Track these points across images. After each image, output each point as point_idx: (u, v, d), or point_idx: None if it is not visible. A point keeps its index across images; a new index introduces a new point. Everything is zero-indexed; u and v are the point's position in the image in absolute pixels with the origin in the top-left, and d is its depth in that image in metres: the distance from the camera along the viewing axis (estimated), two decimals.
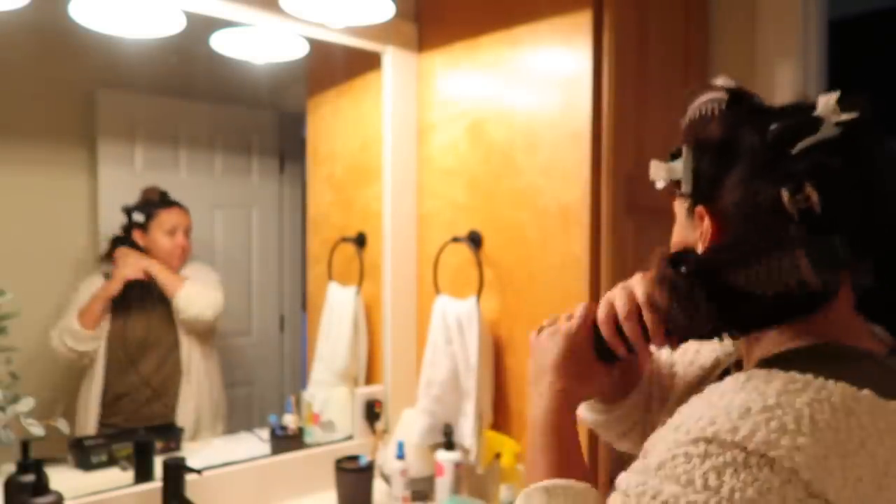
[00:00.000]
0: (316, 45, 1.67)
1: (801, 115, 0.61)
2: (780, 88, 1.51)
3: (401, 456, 1.58)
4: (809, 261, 0.57)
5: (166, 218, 1.64)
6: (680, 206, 0.73)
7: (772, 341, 0.64)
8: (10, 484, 1.21)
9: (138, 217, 1.61)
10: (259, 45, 1.65)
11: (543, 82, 1.47)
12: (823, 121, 0.60)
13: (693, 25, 1.57)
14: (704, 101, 0.69)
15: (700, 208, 0.66)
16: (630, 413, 0.86)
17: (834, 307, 0.61)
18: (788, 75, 1.50)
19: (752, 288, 0.59)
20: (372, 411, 1.74)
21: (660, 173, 0.71)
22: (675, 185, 0.70)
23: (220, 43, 1.60)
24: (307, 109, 1.96)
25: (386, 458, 1.63)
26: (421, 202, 1.80)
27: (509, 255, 1.56)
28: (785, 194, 0.58)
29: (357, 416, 1.74)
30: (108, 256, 1.60)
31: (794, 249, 0.57)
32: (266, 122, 1.88)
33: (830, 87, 0.68)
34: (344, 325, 1.84)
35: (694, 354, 0.83)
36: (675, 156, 0.69)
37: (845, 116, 0.60)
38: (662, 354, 0.87)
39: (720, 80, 0.71)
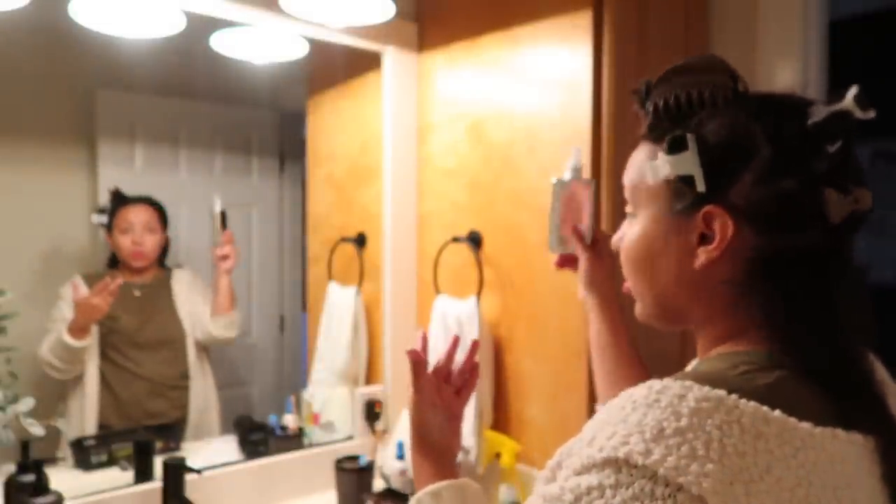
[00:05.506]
0: (316, 45, 1.67)
1: (831, 111, 0.58)
2: (780, 88, 1.51)
3: (401, 456, 1.58)
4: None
5: (122, 216, 1.58)
6: (652, 204, 0.66)
7: (711, 340, 0.64)
8: (10, 484, 1.21)
9: (101, 220, 1.57)
10: (259, 45, 1.65)
11: (543, 82, 1.47)
12: (852, 115, 0.57)
13: (693, 26, 1.57)
14: (702, 85, 0.65)
15: (713, 208, 0.60)
16: None
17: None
18: (788, 75, 1.50)
19: None
20: (372, 411, 1.73)
21: (663, 169, 0.63)
22: (678, 181, 0.62)
23: (220, 43, 1.60)
24: (307, 109, 1.96)
25: (386, 458, 1.63)
26: (421, 202, 1.80)
27: (509, 255, 1.56)
28: (833, 195, 0.57)
29: (357, 416, 1.74)
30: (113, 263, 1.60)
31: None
32: (266, 122, 1.88)
33: (830, 87, 0.67)
34: (344, 325, 1.84)
35: None
36: (675, 147, 0.61)
37: (870, 115, 0.58)
38: None
39: (711, 59, 0.67)
